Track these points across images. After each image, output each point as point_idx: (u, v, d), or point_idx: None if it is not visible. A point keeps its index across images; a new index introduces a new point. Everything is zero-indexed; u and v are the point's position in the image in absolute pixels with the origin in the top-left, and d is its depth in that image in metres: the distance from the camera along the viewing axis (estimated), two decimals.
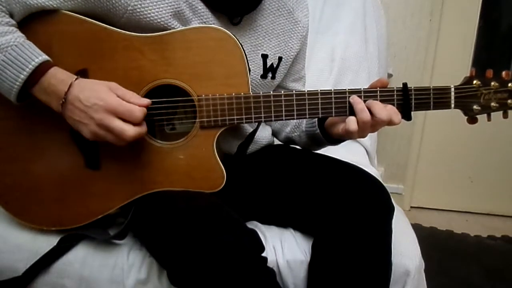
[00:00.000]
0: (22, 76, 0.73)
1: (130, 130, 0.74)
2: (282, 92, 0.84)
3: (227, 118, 0.84)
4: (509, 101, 0.85)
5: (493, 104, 0.85)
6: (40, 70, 0.74)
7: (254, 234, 0.79)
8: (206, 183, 0.85)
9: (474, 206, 2.28)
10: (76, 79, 0.76)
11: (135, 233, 0.91)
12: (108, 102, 0.73)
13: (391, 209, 0.87)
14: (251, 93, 0.84)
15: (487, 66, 0.86)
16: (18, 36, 0.75)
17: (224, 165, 0.85)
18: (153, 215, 0.81)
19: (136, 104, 0.75)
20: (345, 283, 0.84)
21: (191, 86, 0.83)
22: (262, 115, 0.84)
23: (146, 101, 0.77)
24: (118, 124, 0.73)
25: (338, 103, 0.84)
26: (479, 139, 2.17)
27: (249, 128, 0.98)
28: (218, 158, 0.85)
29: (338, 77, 1.72)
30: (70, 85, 0.74)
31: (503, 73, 0.84)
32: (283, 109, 0.84)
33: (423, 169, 2.29)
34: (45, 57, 0.75)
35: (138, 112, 0.74)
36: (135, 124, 0.75)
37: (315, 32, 1.72)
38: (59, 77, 0.75)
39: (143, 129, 0.77)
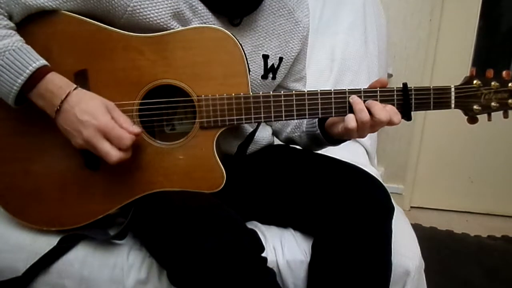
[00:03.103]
0: (19, 81, 0.73)
1: (114, 156, 0.74)
2: (282, 92, 0.84)
3: (226, 118, 0.84)
4: (509, 101, 0.85)
5: (493, 104, 0.85)
6: (37, 75, 0.74)
7: (254, 234, 0.79)
8: (206, 183, 0.85)
9: (474, 206, 2.28)
10: (75, 88, 0.76)
11: (135, 233, 0.91)
12: (101, 122, 0.74)
13: (391, 209, 0.87)
14: (251, 93, 0.84)
15: (487, 66, 0.86)
16: (16, 40, 0.75)
17: (224, 165, 0.85)
18: (153, 215, 0.81)
19: (127, 130, 0.75)
20: (345, 283, 0.84)
21: (191, 86, 0.83)
22: (262, 115, 0.84)
23: (137, 129, 0.77)
24: (104, 147, 0.74)
25: (338, 103, 0.84)
26: (479, 139, 2.17)
27: (249, 128, 0.98)
28: (218, 158, 0.85)
29: (338, 77, 1.72)
30: (68, 94, 0.75)
31: (504, 72, 0.84)
32: (283, 109, 0.84)
33: (423, 169, 2.29)
34: (42, 62, 0.76)
35: (127, 140, 0.74)
36: (121, 149, 0.75)
37: (315, 32, 1.72)
38: (56, 83, 0.75)
39: (128, 155, 0.77)
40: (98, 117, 0.74)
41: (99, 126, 0.73)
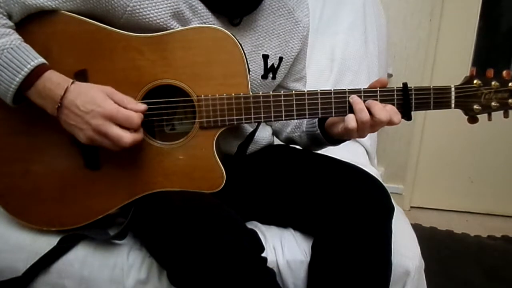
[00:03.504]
0: (17, 79, 0.73)
1: (127, 137, 0.74)
2: (282, 92, 0.84)
3: (226, 118, 0.84)
4: (509, 100, 0.85)
5: (493, 103, 0.85)
6: (36, 73, 0.74)
7: (254, 234, 0.79)
8: (205, 183, 0.85)
9: (474, 206, 2.28)
10: (72, 83, 0.75)
11: (135, 233, 0.91)
12: (105, 109, 0.73)
13: (391, 209, 0.87)
14: (251, 93, 0.84)
15: (487, 66, 0.86)
16: (14, 39, 0.75)
17: (224, 165, 0.85)
18: (153, 215, 0.81)
19: (133, 109, 0.75)
20: (345, 283, 0.84)
21: (191, 86, 0.83)
22: (262, 115, 0.84)
23: (143, 106, 0.77)
24: (115, 131, 0.73)
25: (338, 103, 0.84)
26: (479, 139, 2.17)
27: (249, 128, 0.98)
28: (218, 158, 0.85)
29: (338, 77, 1.73)
30: (66, 90, 0.74)
31: (504, 72, 0.84)
32: (283, 109, 0.84)
33: (423, 169, 2.29)
34: (40, 60, 0.75)
35: (136, 118, 0.75)
36: (132, 130, 0.75)
37: (315, 32, 1.72)
38: (54, 80, 0.75)
39: (140, 135, 0.77)
40: (101, 104, 0.74)
41: (104, 113, 0.73)
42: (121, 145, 0.74)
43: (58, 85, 0.74)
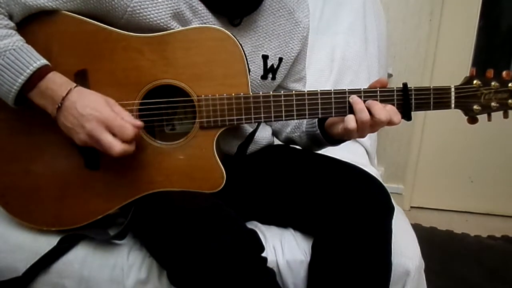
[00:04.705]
0: (19, 80, 0.73)
1: (117, 147, 0.73)
2: (282, 92, 0.84)
3: (226, 118, 0.84)
4: (509, 101, 0.85)
5: (493, 104, 0.85)
6: (38, 74, 0.74)
7: (254, 234, 0.79)
8: (206, 183, 0.85)
9: (474, 206, 2.28)
10: (75, 86, 0.76)
11: (135, 233, 0.91)
12: (102, 114, 0.74)
13: (391, 209, 0.87)
14: (251, 93, 0.84)
15: (487, 66, 0.86)
16: (16, 40, 0.75)
17: (224, 165, 0.85)
18: (153, 215, 0.81)
19: (129, 123, 0.75)
20: (345, 283, 0.84)
21: (191, 86, 0.83)
22: (262, 115, 0.84)
23: (139, 122, 0.77)
24: (107, 138, 0.73)
25: (338, 103, 0.84)
26: (479, 139, 2.17)
27: (249, 128, 0.98)
28: (218, 159, 0.85)
29: (338, 77, 1.73)
30: (69, 91, 0.75)
31: (504, 73, 0.84)
32: (283, 109, 0.84)
33: (423, 169, 2.29)
34: (43, 61, 0.75)
35: (130, 130, 0.74)
36: (124, 141, 0.74)
37: (315, 32, 1.71)
38: (58, 81, 0.75)
39: (131, 147, 0.76)
40: (100, 110, 0.74)
41: (101, 118, 0.73)
42: (110, 154, 0.74)
43: (61, 86, 0.75)
